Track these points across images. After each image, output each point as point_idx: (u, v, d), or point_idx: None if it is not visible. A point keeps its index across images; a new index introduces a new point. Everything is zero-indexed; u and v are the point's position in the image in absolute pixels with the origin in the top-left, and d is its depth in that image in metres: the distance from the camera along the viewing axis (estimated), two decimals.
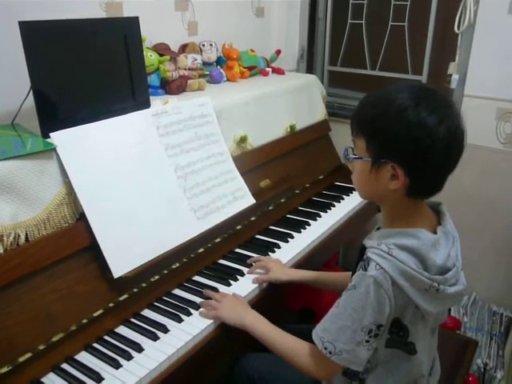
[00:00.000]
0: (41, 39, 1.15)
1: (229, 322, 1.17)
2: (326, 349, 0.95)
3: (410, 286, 0.90)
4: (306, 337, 1.24)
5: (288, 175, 1.82)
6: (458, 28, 2.01)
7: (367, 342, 0.93)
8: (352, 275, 1.02)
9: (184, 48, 1.88)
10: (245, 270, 1.40)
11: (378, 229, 1.04)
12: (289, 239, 1.58)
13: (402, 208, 0.98)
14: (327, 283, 1.35)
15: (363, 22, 2.46)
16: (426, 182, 0.94)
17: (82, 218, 1.18)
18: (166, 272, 1.31)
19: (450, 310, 2.06)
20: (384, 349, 0.98)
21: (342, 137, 2.25)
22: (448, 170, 0.94)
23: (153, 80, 1.66)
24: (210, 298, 1.26)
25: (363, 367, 0.97)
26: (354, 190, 1.99)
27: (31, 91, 1.16)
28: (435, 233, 0.96)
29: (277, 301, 1.36)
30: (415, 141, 0.89)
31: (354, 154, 0.99)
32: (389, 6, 2.35)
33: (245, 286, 1.33)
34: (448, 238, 0.97)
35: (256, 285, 1.33)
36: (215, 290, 1.30)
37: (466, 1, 1.95)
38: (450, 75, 2.10)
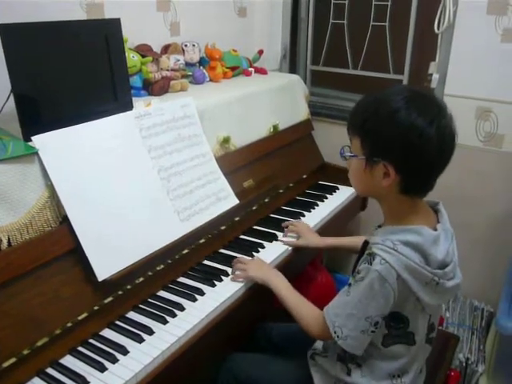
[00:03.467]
0: (21, 41, 1.14)
1: (258, 280, 1.30)
2: (335, 332, 1.02)
3: (413, 279, 0.95)
4: (295, 336, 1.29)
5: (271, 175, 1.82)
6: (438, 28, 2.04)
7: (372, 332, 0.99)
8: (353, 270, 1.06)
9: (166, 49, 1.88)
10: (229, 270, 1.40)
11: (379, 226, 1.08)
12: (273, 239, 1.59)
13: (399, 205, 1.01)
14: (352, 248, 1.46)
15: (345, 22, 2.48)
16: (416, 181, 0.98)
17: (65, 221, 1.17)
18: (150, 274, 1.31)
19: None
20: (384, 348, 1.04)
21: (325, 136, 2.27)
22: (438, 170, 0.98)
23: (135, 81, 1.65)
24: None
25: (362, 352, 1.02)
26: (338, 189, 2.02)
27: (12, 94, 1.14)
28: (435, 230, 1.00)
29: (264, 300, 1.37)
30: (406, 142, 0.92)
31: (351, 152, 1.03)
32: (370, 6, 2.37)
33: (229, 286, 1.34)
34: (447, 235, 1.02)
35: (241, 285, 1.34)
36: (200, 291, 1.30)
37: (445, 1, 1.99)
38: (431, 75, 2.13)
